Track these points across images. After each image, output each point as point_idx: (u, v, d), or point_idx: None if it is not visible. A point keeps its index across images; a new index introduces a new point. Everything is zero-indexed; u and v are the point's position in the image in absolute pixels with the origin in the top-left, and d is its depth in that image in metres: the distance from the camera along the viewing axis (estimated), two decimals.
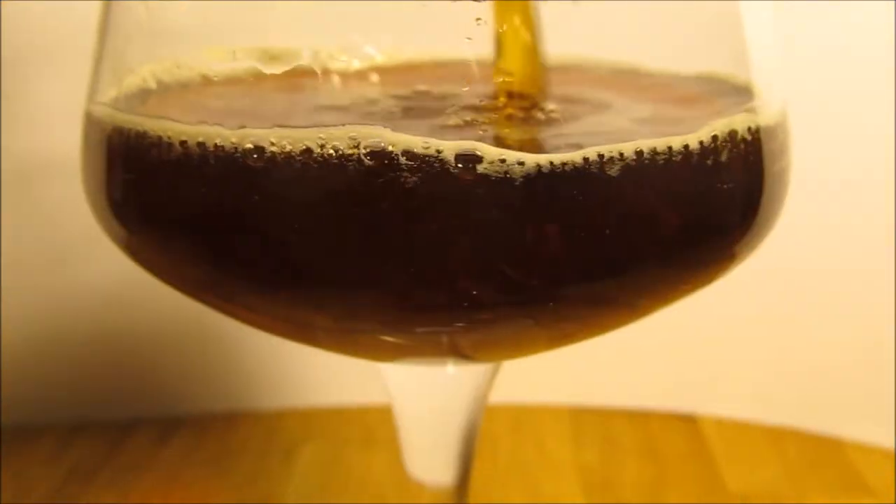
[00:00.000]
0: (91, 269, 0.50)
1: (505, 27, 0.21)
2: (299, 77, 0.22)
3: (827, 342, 0.51)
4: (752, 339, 0.52)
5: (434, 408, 0.25)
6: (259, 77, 0.23)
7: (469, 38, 0.18)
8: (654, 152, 0.17)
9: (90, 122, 0.22)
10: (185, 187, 0.19)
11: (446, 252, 0.17)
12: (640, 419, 0.52)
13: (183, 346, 0.52)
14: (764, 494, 0.45)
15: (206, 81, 0.23)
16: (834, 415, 0.51)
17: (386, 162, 0.17)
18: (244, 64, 0.23)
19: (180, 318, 0.51)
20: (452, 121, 0.19)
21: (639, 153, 0.17)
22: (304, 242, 0.17)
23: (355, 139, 0.17)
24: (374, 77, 0.26)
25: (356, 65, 0.26)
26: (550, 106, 0.21)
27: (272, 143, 0.17)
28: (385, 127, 0.17)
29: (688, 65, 0.22)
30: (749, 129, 0.19)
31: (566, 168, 0.17)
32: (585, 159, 0.17)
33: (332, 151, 0.17)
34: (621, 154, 0.17)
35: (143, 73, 0.22)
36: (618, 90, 0.22)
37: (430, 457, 0.26)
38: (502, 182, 0.17)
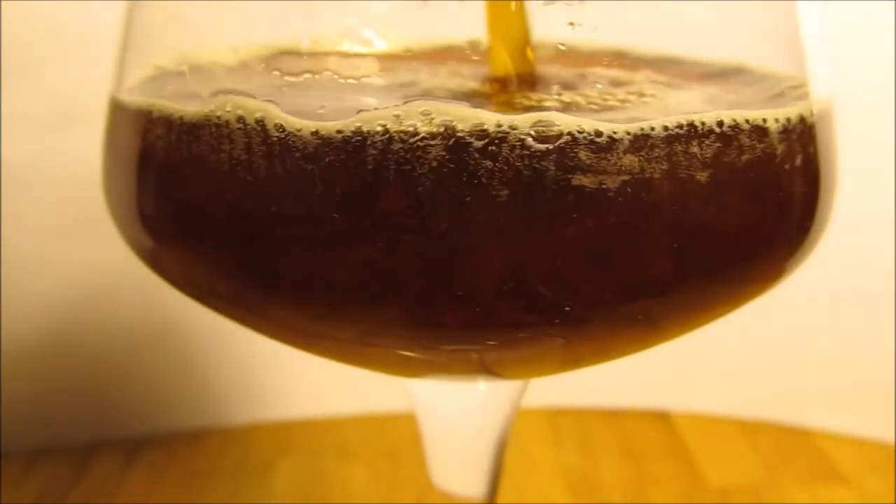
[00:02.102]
0: (44, 287, 0.48)
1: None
2: (315, 62, 0.22)
3: (792, 333, 0.52)
4: (720, 334, 0.53)
5: (464, 423, 0.24)
6: (270, 66, 0.23)
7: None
8: (746, 124, 0.17)
9: (122, 111, 0.21)
10: (255, 172, 0.17)
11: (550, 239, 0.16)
12: (614, 418, 0.52)
13: (144, 362, 0.50)
14: (743, 488, 0.45)
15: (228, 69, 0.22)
16: (801, 404, 0.52)
17: (486, 140, 0.16)
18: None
19: (140, 333, 0.50)
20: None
21: (733, 126, 0.17)
22: (379, 236, 0.16)
23: (449, 119, 0.16)
24: (391, 61, 0.25)
25: (360, 50, 0.26)
26: (600, 89, 0.20)
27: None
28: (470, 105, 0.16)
29: (731, 54, 0.22)
30: (811, 113, 0.19)
31: (668, 133, 0.16)
32: (683, 125, 0.16)
33: (425, 130, 0.16)
34: (721, 122, 0.17)
35: (160, 63, 0.21)
36: (667, 76, 0.22)
37: (458, 470, 0.25)
38: (603, 155, 0.16)
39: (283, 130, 0.17)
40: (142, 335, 0.50)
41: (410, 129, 0.16)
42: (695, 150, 0.17)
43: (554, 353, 0.21)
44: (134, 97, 0.21)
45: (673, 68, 0.22)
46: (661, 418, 0.52)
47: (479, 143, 0.16)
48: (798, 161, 0.19)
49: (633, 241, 0.17)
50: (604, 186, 0.16)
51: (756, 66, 0.22)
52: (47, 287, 0.48)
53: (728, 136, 0.17)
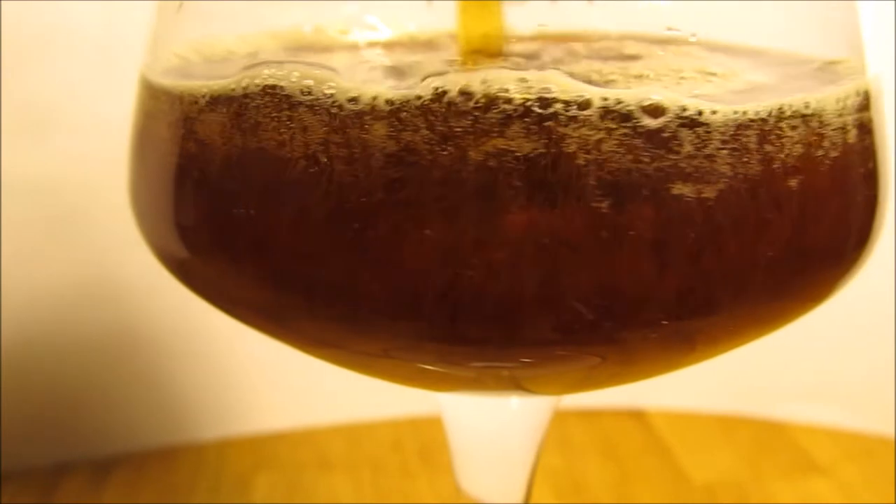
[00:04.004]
0: (4, 302, 0.45)
1: None
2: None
3: None
4: None
5: (496, 437, 0.24)
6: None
7: None
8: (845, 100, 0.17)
9: (160, 97, 0.19)
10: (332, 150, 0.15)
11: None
12: (591, 418, 0.52)
13: (111, 378, 0.48)
14: (727, 484, 0.46)
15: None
16: (773, 397, 0.53)
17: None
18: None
19: (107, 349, 0.48)
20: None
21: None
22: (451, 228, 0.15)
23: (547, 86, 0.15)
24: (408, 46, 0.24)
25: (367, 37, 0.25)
26: (655, 68, 0.20)
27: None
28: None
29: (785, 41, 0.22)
30: (867, 92, 0.19)
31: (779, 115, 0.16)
32: (791, 107, 0.16)
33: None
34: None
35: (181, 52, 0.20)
36: (724, 61, 0.21)
37: (489, 479, 0.25)
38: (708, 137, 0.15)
39: (357, 102, 0.15)
40: (108, 350, 0.48)
41: (503, 94, 0.15)
42: (797, 135, 0.16)
43: (588, 371, 0.20)
44: (175, 80, 0.19)
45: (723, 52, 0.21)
46: (638, 416, 0.53)
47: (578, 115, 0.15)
48: (867, 142, 0.18)
49: (721, 246, 0.16)
50: (703, 195, 0.15)
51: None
52: (7, 302, 0.46)
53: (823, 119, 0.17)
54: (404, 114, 0.15)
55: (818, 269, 0.18)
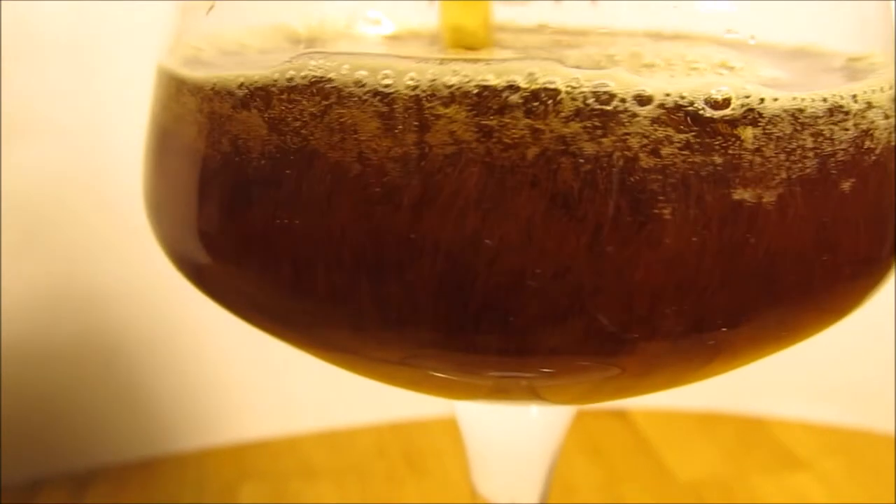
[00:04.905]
0: None
1: None
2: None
3: None
4: None
5: (514, 444, 0.23)
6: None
7: None
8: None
9: (189, 92, 0.18)
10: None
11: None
12: (574, 418, 0.52)
13: (86, 390, 0.47)
14: (712, 481, 0.46)
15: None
16: (751, 393, 0.53)
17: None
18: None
19: (81, 359, 0.46)
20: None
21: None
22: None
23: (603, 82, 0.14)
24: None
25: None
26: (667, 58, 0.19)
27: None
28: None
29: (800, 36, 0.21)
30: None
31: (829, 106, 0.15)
32: (843, 97, 0.15)
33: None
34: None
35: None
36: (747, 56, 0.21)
37: (506, 483, 0.24)
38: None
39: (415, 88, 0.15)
40: (82, 362, 0.46)
41: (551, 86, 0.14)
42: (849, 131, 0.16)
43: (607, 381, 0.20)
44: (203, 73, 0.18)
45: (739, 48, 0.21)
46: (620, 416, 0.53)
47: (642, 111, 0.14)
48: None
49: (778, 251, 0.15)
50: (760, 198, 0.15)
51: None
52: None
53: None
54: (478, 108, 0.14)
55: (861, 275, 0.18)
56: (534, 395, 0.21)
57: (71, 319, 0.46)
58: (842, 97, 0.16)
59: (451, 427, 0.51)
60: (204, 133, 0.17)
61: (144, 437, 0.48)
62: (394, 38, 0.24)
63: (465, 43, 0.22)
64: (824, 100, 0.15)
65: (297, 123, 0.15)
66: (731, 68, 0.19)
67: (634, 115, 0.14)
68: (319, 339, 0.20)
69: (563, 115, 0.14)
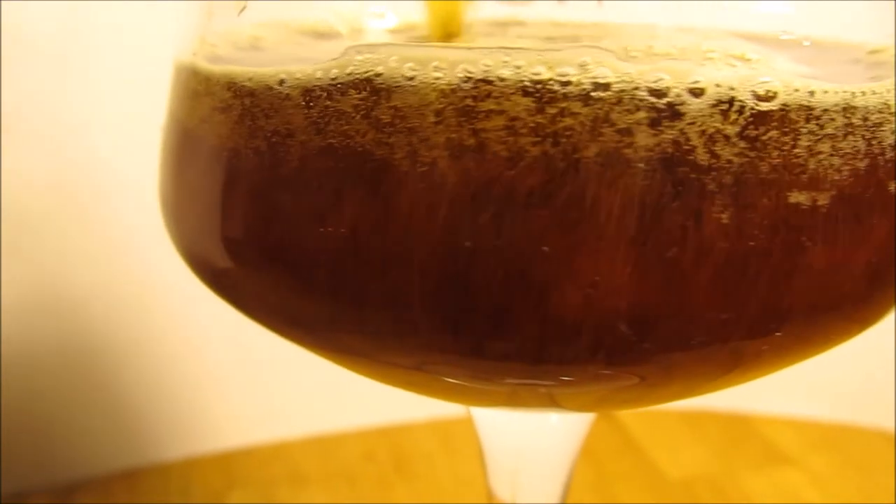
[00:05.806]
0: None
1: None
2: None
3: None
4: None
5: (532, 451, 0.23)
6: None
7: None
8: None
9: (210, 84, 0.17)
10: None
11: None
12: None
13: (68, 400, 0.46)
14: (702, 479, 0.46)
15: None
16: (737, 390, 0.53)
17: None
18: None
19: (62, 370, 0.45)
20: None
21: None
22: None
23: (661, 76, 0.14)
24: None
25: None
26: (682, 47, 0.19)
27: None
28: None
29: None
30: None
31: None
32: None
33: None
34: None
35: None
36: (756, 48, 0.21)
37: (524, 486, 0.24)
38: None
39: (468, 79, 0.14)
40: (64, 371, 0.45)
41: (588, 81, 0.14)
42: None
43: (629, 390, 0.20)
44: (238, 68, 0.17)
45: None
46: (608, 417, 0.53)
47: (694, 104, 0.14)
48: None
49: (826, 254, 0.15)
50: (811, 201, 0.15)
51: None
52: None
53: None
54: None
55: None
56: (552, 402, 0.20)
57: (52, 328, 0.45)
58: (888, 91, 0.15)
59: (439, 430, 0.51)
60: (236, 132, 0.16)
61: (129, 446, 0.47)
62: (398, 32, 0.24)
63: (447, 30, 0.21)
64: (874, 93, 0.15)
65: (343, 121, 0.15)
66: (748, 60, 0.19)
67: (688, 108, 0.14)
68: (339, 344, 0.19)
69: (624, 108, 0.14)
